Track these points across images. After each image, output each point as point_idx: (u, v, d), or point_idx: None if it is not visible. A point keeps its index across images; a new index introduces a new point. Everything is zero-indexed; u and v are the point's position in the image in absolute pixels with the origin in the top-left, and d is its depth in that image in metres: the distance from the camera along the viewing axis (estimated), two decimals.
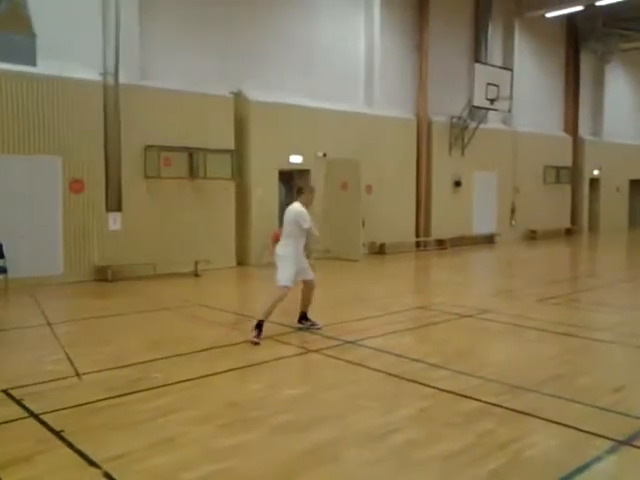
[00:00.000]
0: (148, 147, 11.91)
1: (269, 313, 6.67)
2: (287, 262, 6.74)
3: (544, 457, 3.81)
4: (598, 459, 3.75)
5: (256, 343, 6.46)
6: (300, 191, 7.02)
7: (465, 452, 3.86)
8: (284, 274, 6.71)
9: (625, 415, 4.49)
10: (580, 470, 3.60)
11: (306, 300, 7.19)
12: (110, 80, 11.20)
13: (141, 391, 5.03)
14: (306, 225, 6.72)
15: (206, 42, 13.15)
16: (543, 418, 4.42)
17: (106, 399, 4.82)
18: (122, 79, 11.34)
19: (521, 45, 20.68)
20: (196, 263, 12.09)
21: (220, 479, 3.52)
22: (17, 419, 4.41)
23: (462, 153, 18.55)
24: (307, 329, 7.16)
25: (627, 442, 3.99)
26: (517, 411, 4.56)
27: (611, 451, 3.87)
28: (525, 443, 4.01)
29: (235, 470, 3.63)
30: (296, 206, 6.85)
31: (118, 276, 11.39)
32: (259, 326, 6.57)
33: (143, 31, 12.05)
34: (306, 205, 6.88)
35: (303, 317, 7.27)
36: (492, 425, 4.31)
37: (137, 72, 11.95)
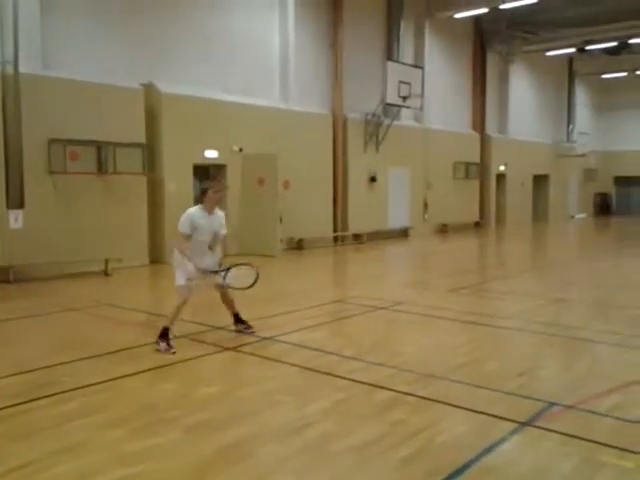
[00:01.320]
0: (52, 140, 11.30)
1: (174, 318, 6.25)
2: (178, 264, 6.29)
3: (453, 442, 3.96)
4: (502, 440, 3.94)
5: (167, 351, 6.07)
6: (204, 192, 6.31)
7: (378, 442, 3.94)
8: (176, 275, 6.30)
9: (528, 398, 4.74)
10: (486, 452, 3.77)
11: (227, 303, 6.70)
12: (9, 69, 10.52)
13: (46, 397, 4.77)
14: (180, 229, 6.20)
15: (115, 31, 12.61)
16: (453, 404, 4.59)
17: (6, 407, 4.54)
18: (22, 69, 10.68)
19: (431, 44, 21.32)
20: (106, 261, 11.63)
21: None
22: None
23: (377, 149, 18.91)
24: (241, 332, 6.71)
25: (528, 423, 4.22)
26: (428, 399, 4.71)
27: (514, 432, 4.07)
28: (436, 429, 4.16)
29: (147, 474, 3.52)
30: (188, 210, 6.30)
31: (21, 277, 10.76)
32: (164, 334, 6.15)
33: (45, 17, 11.38)
34: (208, 205, 6.26)
35: (237, 320, 6.77)
36: (404, 414, 4.42)
37: (39, 61, 11.29)
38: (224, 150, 14.37)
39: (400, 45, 19.45)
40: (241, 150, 14.70)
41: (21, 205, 10.84)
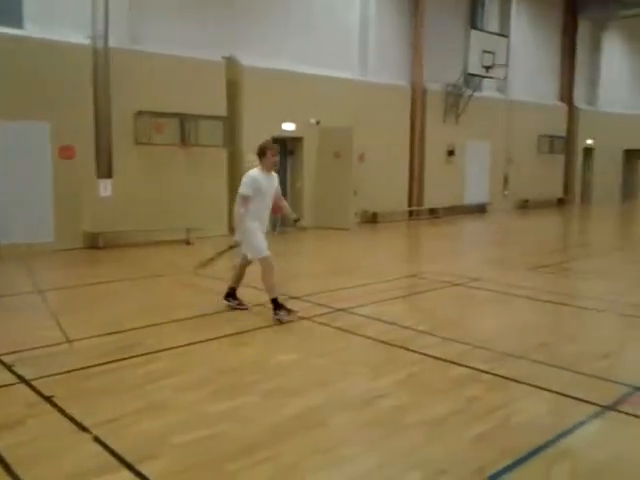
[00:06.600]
0: (139, 113, 11.74)
1: (274, 288, 6.27)
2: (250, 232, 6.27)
3: (530, 422, 3.87)
4: (582, 424, 3.82)
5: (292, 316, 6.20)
6: (262, 152, 6.21)
7: (452, 417, 3.92)
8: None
9: (611, 381, 4.55)
10: (564, 434, 3.66)
11: (239, 276, 6.63)
12: (99, 44, 10.96)
13: (132, 357, 5.04)
14: (240, 189, 6.17)
15: (198, 6, 12.85)
16: (531, 384, 4.47)
17: (97, 365, 4.84)
18: (112, 43, 11.10)
19: (518, 11, 20.34)
20: (188, 231, 12.04)
21: (210, 443, 3.56)
22: (7, 385, 4.41)
23: (456, 122, 18.41)
24: (233, 308, 6.62)
25: (611, 407, 4.06)
26: (505, 377, 4.62)
27: (595, 416, 3.93)
28: (512, 409, 4.07)
29: (225, 434, 3.67)
30: (249, 172, 6.25)
31: (109, 243, 11.35)
32: (277, 305, 6.21)
33: None
34: (268, 169, 6.25)
35: (231, 294, 6.67)
36: (480, 391, 4.36)
37: (127, 36, 11.69)
38: (301, 123, 14.42)
39: (485, 13, 18.72)
40: (318, 123, 14.70)
41: (110, 174, 11.37)
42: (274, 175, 6.45)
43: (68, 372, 4.68)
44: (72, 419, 3.81)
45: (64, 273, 9.32)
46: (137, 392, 4.31)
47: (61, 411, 3.93)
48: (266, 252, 6.23)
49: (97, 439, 3.55)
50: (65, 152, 11.01)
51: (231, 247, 6.34)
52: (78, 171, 11.16)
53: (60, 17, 10.81)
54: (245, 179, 6.20)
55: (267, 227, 6.48)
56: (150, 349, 5.24)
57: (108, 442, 3.50)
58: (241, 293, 6.75)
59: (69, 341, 5.45)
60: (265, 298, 6.93)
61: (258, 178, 6.19)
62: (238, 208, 6.21)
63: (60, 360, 4.98)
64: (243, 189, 6.16)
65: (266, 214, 6.40)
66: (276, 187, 6.47)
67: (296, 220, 6.72)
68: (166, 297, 7.51)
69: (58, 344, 5.37)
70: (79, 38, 10.85)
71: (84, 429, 3.67)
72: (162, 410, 4.01)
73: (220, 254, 6.64)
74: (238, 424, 3.82)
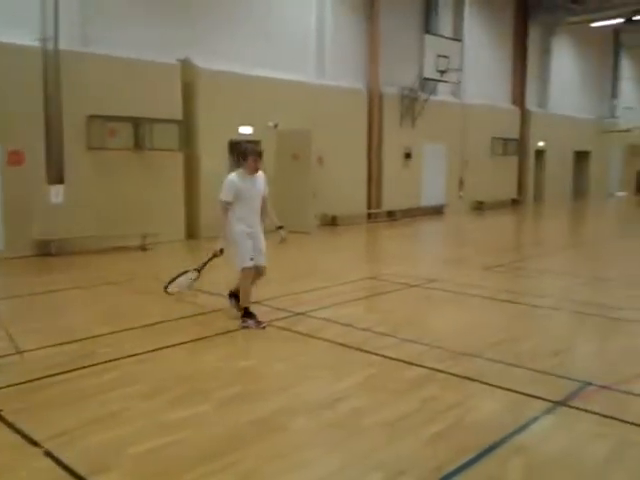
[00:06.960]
0: (91, 117, 11.49)
1: (248, 298, 6.23)
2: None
3: (485, 420, 3.94)
4: (536, 419, 3.91)
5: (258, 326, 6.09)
6: (244, 156, 6.03)
7: (409, 417, 3.96)
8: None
9: (563, 377, 4.68)
10: (518, 431, 3.75)
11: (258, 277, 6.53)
12: (49, 46, 10.68)
13: (87, 367, 4.92)
14: (219, 195, 6.04)
15: (152, 8, 12.67)
16: (485, 382, 4.56)
17: (49, 376, 4.70)
18: (62, 45, 10.82)
19: (471, 15, 20.74)
20: (144, 236, 11.84)
21: (168, 452, 3.50)
22: None
23: (412, 125, 18.65)
24: (231, 307, 6.59)
25: (563, 402, 4.18)
26: (460, 376, 4.70)
27: (548, 411, 4.04)
28: (467, 407, 4.15)
29: (183, 443, 3.62)
30: (228, 176, 6.06)
31: (62, 250, 11.05)
32: (247, 313, 6.18)
33: None
34: (250, 172, 6.05)
35: (234, 296, 6.52)
36: (436, 390, 4.43)
37: (78, 38, 11.42)
38: (259, 126, 14.36)
39: (439, 17, 19.04)
40: (276, 126, 14.66)
41: (61, 180, 11.08)
42: (259, 176, 6.17)
43: (18, 384, 4.54)
44: (22, 433, 3.70)
45: (14, 281, 9.03)
46: (92, 403, 4.21)
47: (10, 426, 3.81)
48: (248, 263, 6.06)
49: (48, 453, 3.45)
50: (13, 157, 10.68)
51: (214, 256, 6.21)
52: (28, 177, 10.82)
53: (7, 18, 10.47)
54: (224, 184, 6.03)
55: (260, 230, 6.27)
56: (105, 358, 5.12)
57: (60, 456, 3.41)
58: (201, 298, 6.69)
59: (20, 352, 5.28)
60: (225, 304, 6.88)
61: (236, 182, 5.99)
62: (220, 215, 6.06)
63: (10, 372, 4.82)
64: (222, 195, 6.02)
65: (254, 217, 6.16)
66: (263, 188, 6.21)
67: (279, 227, 6.41)
68: (122, 305, 7.36)
69: (8, 355, 5.20)
70: (27, 40, 10.54)
71: (35, 443, 3.57)
72: (118, 420, 3.93)
73: (204, 265, 6.47)
74: (197, 432, 3.77)
